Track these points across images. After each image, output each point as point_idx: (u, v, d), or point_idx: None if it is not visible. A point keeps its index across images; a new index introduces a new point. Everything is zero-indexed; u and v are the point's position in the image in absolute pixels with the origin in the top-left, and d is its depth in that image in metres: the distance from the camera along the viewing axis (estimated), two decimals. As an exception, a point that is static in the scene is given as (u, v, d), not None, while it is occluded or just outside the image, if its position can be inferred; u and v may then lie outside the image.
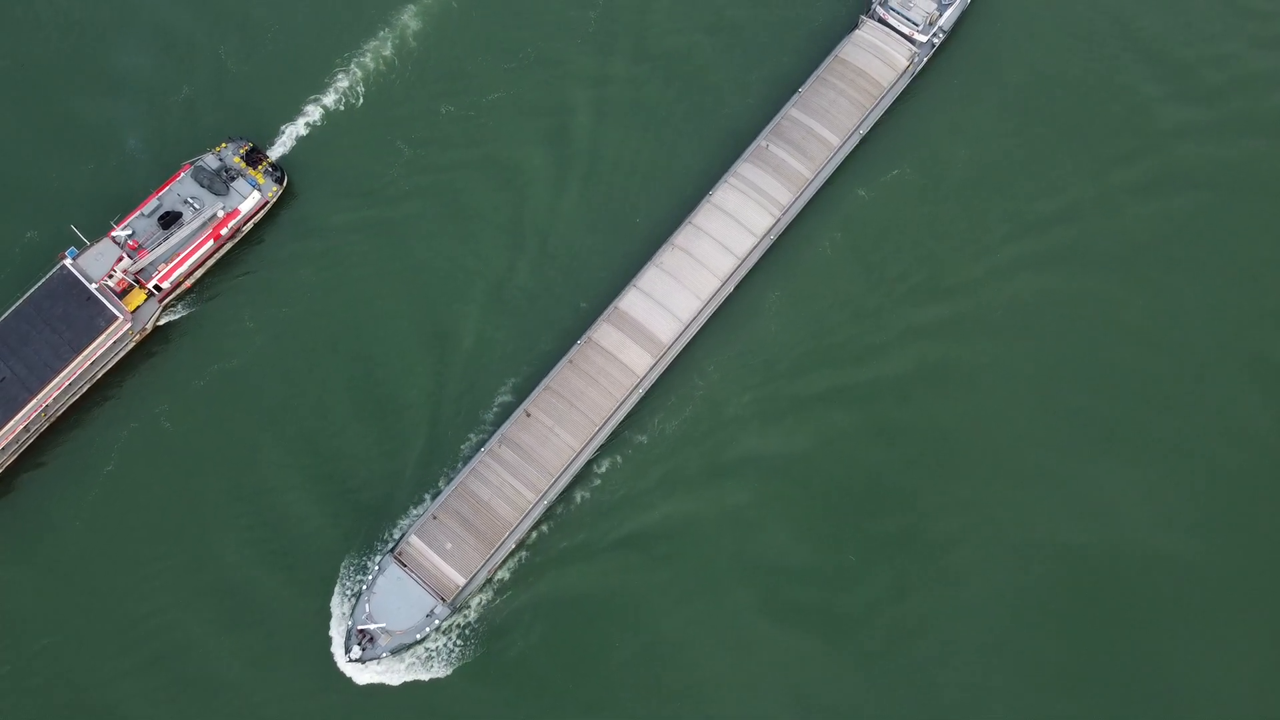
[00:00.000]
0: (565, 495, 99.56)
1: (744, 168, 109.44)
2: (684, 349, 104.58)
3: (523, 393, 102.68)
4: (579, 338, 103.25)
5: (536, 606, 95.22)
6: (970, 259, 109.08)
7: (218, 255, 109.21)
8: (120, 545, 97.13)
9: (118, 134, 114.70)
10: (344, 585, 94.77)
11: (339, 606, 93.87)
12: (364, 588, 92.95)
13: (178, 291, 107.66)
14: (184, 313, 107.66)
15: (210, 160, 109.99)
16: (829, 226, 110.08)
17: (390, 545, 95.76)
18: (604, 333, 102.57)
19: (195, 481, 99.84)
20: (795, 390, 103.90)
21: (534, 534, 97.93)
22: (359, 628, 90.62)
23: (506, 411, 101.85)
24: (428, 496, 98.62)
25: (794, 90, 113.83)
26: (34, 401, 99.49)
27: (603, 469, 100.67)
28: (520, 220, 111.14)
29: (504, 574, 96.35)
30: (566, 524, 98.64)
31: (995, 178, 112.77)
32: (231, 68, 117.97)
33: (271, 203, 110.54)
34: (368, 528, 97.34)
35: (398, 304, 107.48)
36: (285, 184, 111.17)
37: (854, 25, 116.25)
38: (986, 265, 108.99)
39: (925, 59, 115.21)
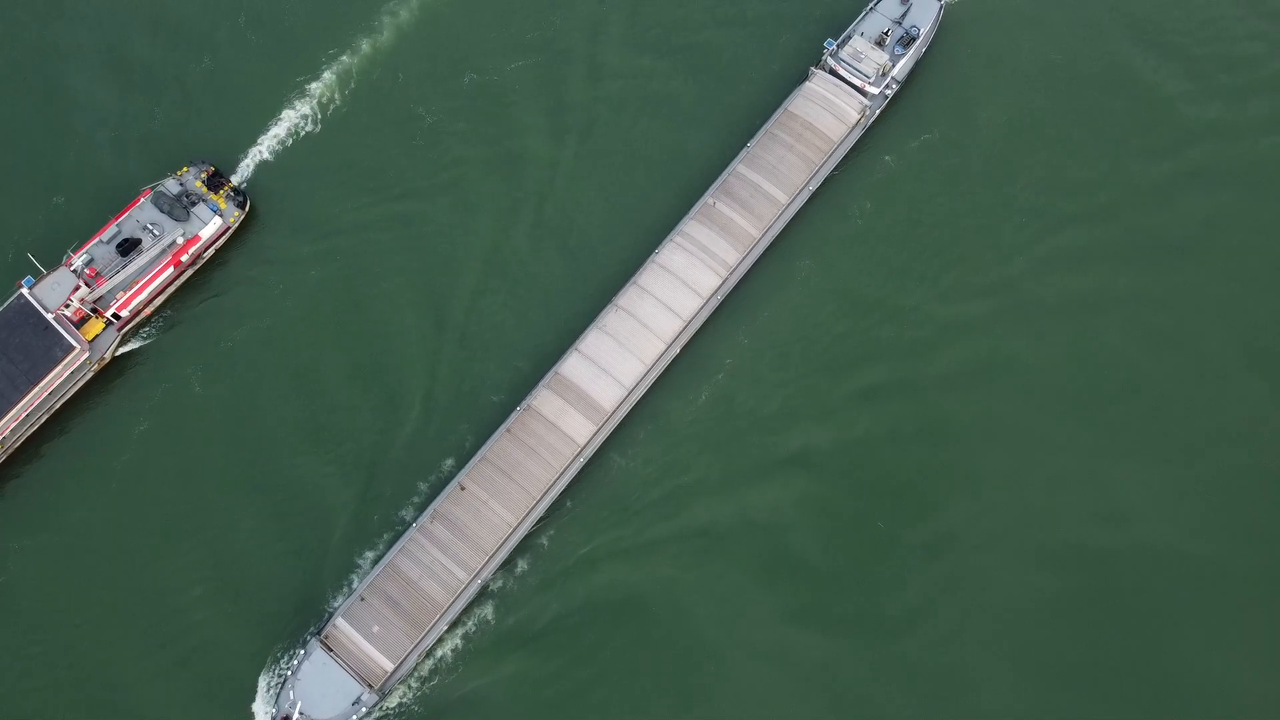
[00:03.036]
0: (521, 552, 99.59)
1: (690, 226, 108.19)
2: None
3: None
4: (519, 403, 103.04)
5: (480, 686, 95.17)
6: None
7: (178, 282, 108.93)
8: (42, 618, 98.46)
9: (77, 157, 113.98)
10: (270, 669, 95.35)
11: (264, 688, 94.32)
12: (289, 673, 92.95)
13: (137, 320, 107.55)
14: (143, 342, 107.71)
15: (171, 185, 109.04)
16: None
17: (317, 627, 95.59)
18: (544, 399, 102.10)
19: (128, 534, 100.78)
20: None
21: (488, 603, 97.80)
22: (282, 715, 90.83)
23: (449, 477, 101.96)
24: (367, 563, 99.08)
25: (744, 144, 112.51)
26: None
27: (552, 531, 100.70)
28: (482, 258, 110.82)
29: (445, 651, 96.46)
30: (517, 595, 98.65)
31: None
32: (194, 91, 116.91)
33: (234, 228, 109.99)
34: (288, 611, 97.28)
35: (349, 347, 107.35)
36: (248, 208, 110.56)
37: (804, 76, 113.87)
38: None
39: (878, 111, 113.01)
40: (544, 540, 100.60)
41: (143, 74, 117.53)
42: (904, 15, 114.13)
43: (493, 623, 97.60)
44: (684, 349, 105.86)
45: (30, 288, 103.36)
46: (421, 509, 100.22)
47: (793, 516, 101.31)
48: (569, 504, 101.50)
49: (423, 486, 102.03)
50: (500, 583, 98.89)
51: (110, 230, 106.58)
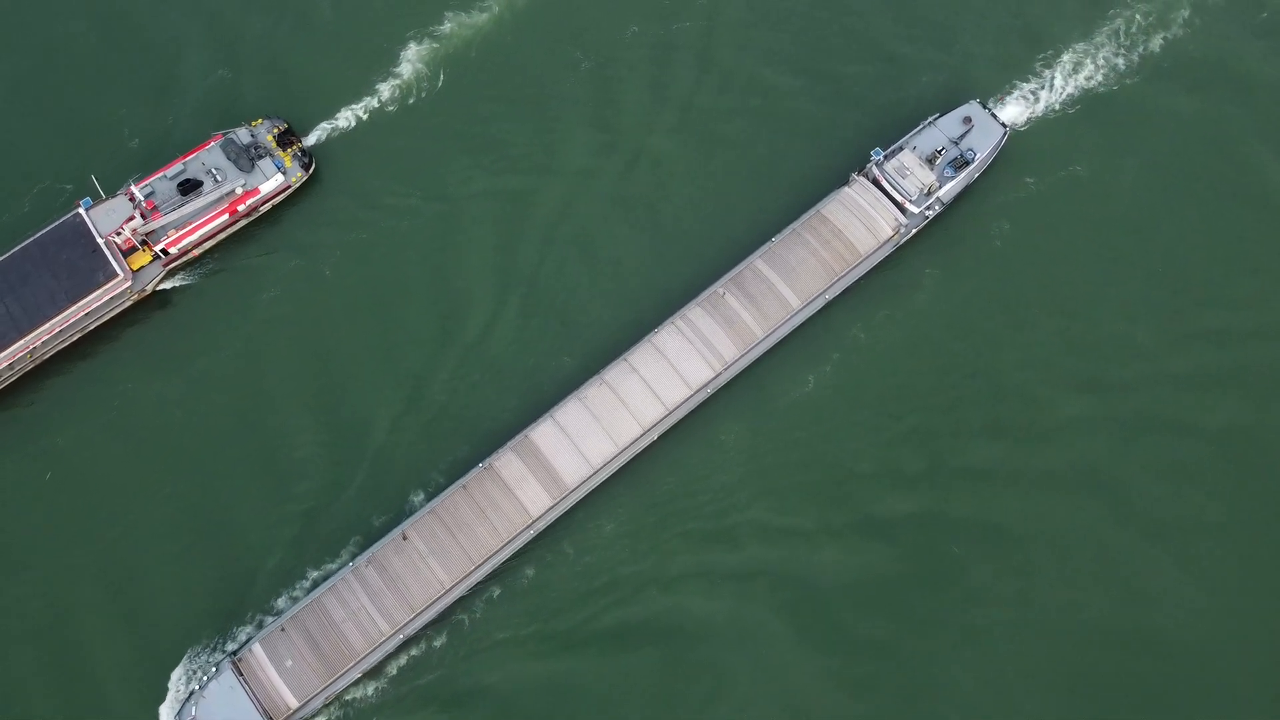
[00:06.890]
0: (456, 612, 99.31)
1: (693, 312, 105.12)
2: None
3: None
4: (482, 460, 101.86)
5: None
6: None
7: (230, 231, 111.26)
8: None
9: (161, 98, 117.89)
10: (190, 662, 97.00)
11: (173, 690, 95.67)
12: (197, 686, 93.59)
13: (183, 259, 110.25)
14: (185, 282, 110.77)
15: (242, 134, 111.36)
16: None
17: (234, 648, 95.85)
18: (506, 461, 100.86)
19: (117, 469, 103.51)
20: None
21: (404, 656, 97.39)
22: None
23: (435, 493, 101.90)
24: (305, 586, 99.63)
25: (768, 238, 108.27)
26: (21, 342, 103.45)
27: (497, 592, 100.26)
28: (509, 268, 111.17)
29: (354, 698, 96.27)
30: (441, 654, 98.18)
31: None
32: (284, 51, 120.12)
33: (294, 188, 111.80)
34: (217, 623, 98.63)
35: (366, 338, 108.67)
36: (312, 171, 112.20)
37: (845, 180, 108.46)
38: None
39: (914, 230, 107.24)
40: (484, 601, 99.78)
41: (236, 26, 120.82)
42: (963, 136, 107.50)
43: (408, 678, 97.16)
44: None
45: (88, 209, 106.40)
46: (399, 522, 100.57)
47: (771, 614, 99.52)
48: (529, 572, 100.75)
49: (417, 498, 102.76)
50: (423, 641, 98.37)
51: (175, 168, 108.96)
